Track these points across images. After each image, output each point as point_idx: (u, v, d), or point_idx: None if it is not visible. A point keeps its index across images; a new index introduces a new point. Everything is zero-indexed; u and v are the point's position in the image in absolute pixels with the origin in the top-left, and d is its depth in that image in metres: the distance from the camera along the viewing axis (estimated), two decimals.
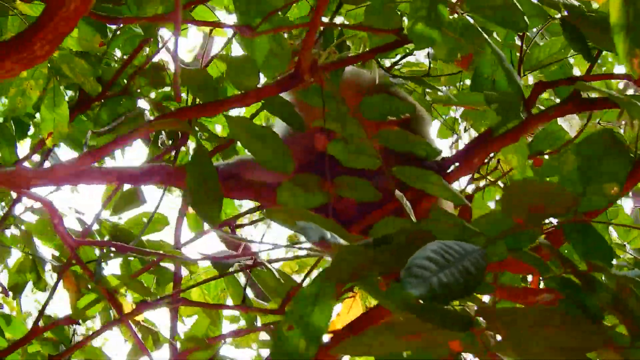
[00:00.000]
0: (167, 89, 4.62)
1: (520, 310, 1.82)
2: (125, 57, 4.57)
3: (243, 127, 2.63)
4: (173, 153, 4.34)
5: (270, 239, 8.01)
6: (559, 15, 2.55)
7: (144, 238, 4.09)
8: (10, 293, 4.47)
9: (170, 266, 4.15)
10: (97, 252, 4.16)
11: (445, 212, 1.97)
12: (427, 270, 1.62)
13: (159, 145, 4.47)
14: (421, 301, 1.65)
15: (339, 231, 1.87)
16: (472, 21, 2.40)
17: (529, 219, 1.82)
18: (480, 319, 1.77)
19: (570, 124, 3.29)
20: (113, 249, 3.72)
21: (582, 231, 1.97)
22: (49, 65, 3.53)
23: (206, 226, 4.61)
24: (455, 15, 2.56)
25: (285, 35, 3.25)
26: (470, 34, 2.63)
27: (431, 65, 3.63)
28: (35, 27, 2.36)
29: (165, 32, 4.66)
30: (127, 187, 4.30)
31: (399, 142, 2.57)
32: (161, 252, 3.64)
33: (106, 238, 4.19)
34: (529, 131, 3.16)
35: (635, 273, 1.82)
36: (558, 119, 3.26)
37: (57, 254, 4.42)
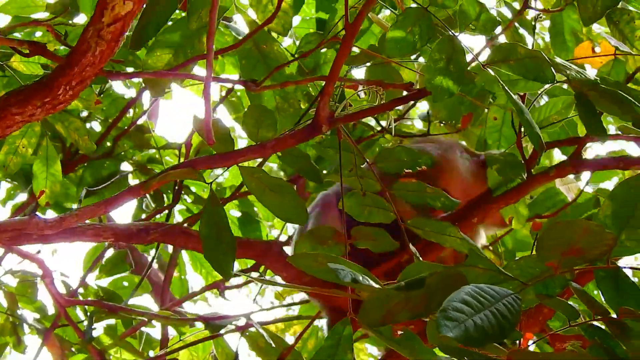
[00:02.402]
0: (152, 151, 4.62)
1: (552, 355, 1.82)
2: (109, 119, 4.58)
3: (256, 178, 2.63)
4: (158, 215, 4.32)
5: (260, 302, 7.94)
6: (564, 79, 2.58)
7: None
8: None
9: (153, 332, 4.11)
10: (80, 315, 4.11)
11: (480, 256, 1.97)
12: (463, 313, 1.61)
13: (144, 207, 4.45)
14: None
15: (368, 274, 1.87)
16: (492, 73, 2.42)
17: (563, 263, 1.82)
18: None
19: (568, 188, 3.33)
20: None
21: (614, 277, 1.96)
22: (41, 123, 3.50)
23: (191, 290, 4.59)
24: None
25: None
26: (483, 92, 2.64)
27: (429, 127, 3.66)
28: (60, 73, 2.35)
29: (146, 97, 4.69)
30: (112, 249, 4.28)
31: (417, 194, 2.58)
32: (153, 312, 3.60)
33: None
34: (529, 192, 3.18)
35: None
36: (557, 183, 3.29)
37: (37, 316, 4.35)
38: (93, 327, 3.62)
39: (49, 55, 2.86)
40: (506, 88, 2.36)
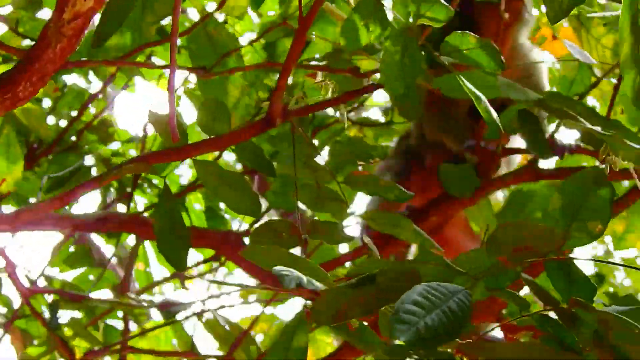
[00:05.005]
0: (116, 145, 4.64)
1: (501, 345, 1.86)
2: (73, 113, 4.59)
3: (211, 172, 2.65)
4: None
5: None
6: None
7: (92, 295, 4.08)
8: None
9: (117, 324, 4.13)
10: (44, 308, 4.13)
11: (429, 252, 2.01)
12: (414, 315, 1.61)
13: (108, 201, 4.48)
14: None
15: (317, 272, 1.89)
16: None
17: (513, 259, 1.85)
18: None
19: None
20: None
21: (564, 268, 2.00)
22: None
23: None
24: None
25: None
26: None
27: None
28: (20, 68, 2.37)
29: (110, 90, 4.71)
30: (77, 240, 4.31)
31: (369, 187, 2.62)
32: (114, 300, 3.64)
33: None
34: (485, 195, 3.23)
35: (615, 308, 1.85)
36: None
37: (3, 310, 4.35)
38: (58, 315, 3.66)
39: (12, 50, 2.87)
40: (462, 78, 2.35)
